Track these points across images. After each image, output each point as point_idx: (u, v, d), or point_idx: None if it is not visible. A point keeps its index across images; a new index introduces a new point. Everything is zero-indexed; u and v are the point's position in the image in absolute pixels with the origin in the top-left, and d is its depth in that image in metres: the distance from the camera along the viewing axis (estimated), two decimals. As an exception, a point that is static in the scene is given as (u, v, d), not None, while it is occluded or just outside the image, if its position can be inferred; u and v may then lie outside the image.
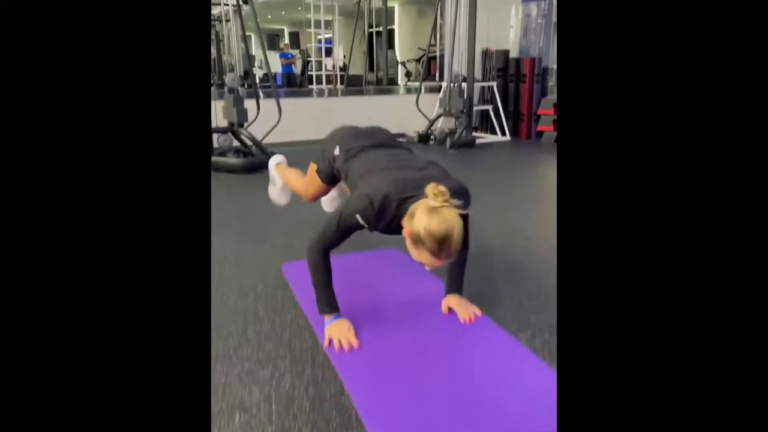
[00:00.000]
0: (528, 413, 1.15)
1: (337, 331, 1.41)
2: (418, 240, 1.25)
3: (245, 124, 4.04)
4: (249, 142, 4.07)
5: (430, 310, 1.64)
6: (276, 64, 12.09)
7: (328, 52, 8.94)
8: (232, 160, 3.83)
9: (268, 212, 2.81)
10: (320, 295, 1.46)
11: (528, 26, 5.92)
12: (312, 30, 9.28)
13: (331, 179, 1.81)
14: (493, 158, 4.69)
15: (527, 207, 3.03)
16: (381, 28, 10.64)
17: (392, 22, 11.11)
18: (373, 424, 1.14)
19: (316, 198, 2.01)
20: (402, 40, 11.45)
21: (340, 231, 1.41)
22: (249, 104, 4.03)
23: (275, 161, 2.31)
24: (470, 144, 5.11)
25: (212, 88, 5.62)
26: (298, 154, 5.05)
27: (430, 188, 1.27)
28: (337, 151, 1.66)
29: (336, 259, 1.50)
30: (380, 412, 1.17)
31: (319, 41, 9.84)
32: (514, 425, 1.12)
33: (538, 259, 2.14)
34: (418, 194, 1.30)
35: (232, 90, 3.91)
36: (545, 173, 4.02)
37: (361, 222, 1.38)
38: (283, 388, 1.27)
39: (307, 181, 1.94)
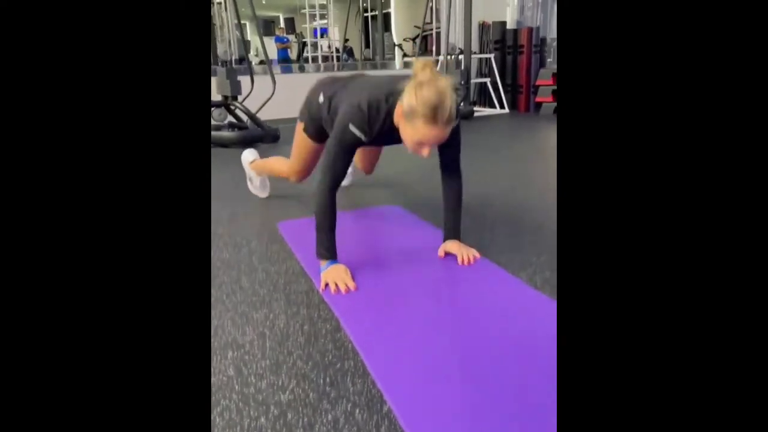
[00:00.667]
0: (526, 341, 1.12)
1: (334, 275, 1.40)
2: (411, 112, 1.24)
3: (239, 98, 3.98)
4: (244, 117, 4.01)
5: (429, 256, 1.61)
6: (271, 49, 12.01)
7: (324, 34, 8.84)
8: (226, 134, 3.78)
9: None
10: (322, 238, 1.44)
11: (524, -3, 5.82)
12: (306, 11, 9.15)
13: (319, 133, 1.78)
14: (491, 128, 4.63)
15: (526, 164, 2.99)
16: (376, 12, 10.54)
17: (388, 6, 11.01)
18: (368, 353, 1.10)
19: (310, 168, 1.97)
20: (398, 22, 11.33)
21: (341, 152, 1.40)
22: (243, 80, 3.98)
23: (248, 159, 2.32)
24: (468, 116, 5.04)
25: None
26: (293, 128, 5.01)
27: (417, 64, 1.27)
28: (321, 99, 1.65)
29: (338, 215, 1.47)
30: (376, 342, 1.14)
31: (315, 30, 9.74)
32: (512, 352, 1.09)
33: (537, 209, 2.10)
34: (397, 90, 1.32)
35: (224, 62, 3.85)
36: (544, 137, 3.97)
37: (357, 132, 1.37)
38: (278, 327, 1.24)
39: (297, 147, 1.89)
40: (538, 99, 5.43)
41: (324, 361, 1.09)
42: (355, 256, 1.60)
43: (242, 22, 4.23)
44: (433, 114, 1.22)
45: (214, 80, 4.06)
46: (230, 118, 4.12)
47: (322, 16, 9.75)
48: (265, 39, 13.10)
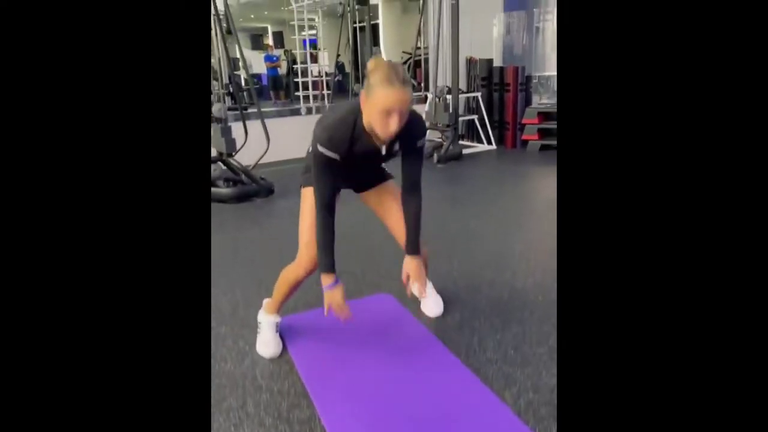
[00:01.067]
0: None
1: (333, 299, 1.65)
2: (370, 85, 1.38)
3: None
4: (238, 170, 4.11)
5: (419, 366, 1.72)
6: (261, 66, 12.04)
7: (314, 58, 8.92)
8: (222, 189, 3.88)
9: (260, 249, 2.88)
10: (320, 256, 1.62)
11: (511, 35, 5.97)
12: (296, 25, 9.24)
13: None
14: (480, 172, 4.77)
15: (514, 231, 3.11)
16: (365, 23, 10.62)
17: (376, 17, 11.09)
18: None
19: None
20: (386, 35, 11.43)
21: (320, 175, 1.54)
22: (236, 127, 4.07)
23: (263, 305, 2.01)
24: (457, 157, 5.18)
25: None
26: (287, 173, 5.13)
27: (370, 62, 1.43)
28: (309, 148, 1.68)
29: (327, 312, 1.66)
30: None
31: (304, 41, 9.83)
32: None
33: (523, 298, 2.23)
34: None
35: (219, 120, 3.95)
36: (533, 187, 4.11)
37: (326, 152, 1.50)
38: (284, 470, 1.35)
39: (306, 216, 1.71)
40: (524, 137, 5.58)
41: None
42: (353, 366, 1.71)
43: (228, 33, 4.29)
44: (388, 76, 1.35)
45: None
46: (225, 170, 4.22)
47: (311, 27, 9.82)
48: (255, 55, 13.00)
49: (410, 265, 1.73)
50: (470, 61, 6.12)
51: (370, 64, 1.42)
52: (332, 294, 1.65)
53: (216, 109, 3.97)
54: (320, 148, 1.50)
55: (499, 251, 2.82)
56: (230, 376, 1.77)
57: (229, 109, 4.46)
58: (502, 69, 5.81)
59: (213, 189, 3.90)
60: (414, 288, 1.75)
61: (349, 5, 7.22)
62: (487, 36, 6.12)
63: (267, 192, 4.04)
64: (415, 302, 2.23)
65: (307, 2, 7.67)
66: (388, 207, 1.86)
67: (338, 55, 9.11)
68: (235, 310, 2.23)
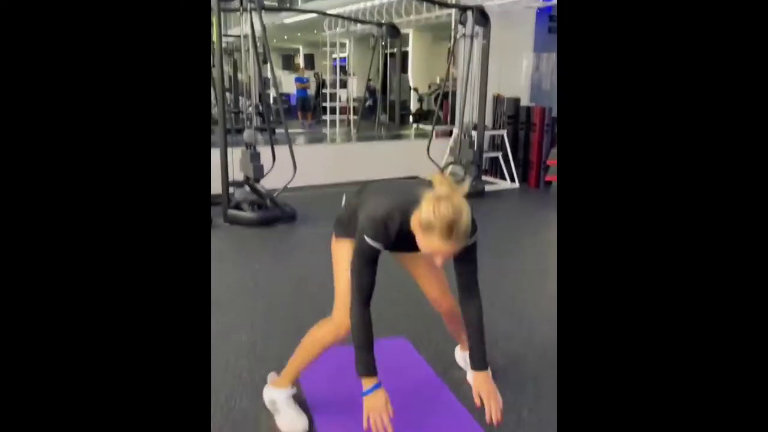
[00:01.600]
0: None
1: (374, 407, 1.41)
2: (427, 226, 1.29)
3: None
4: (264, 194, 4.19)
5: (431, 419, 1.72)
6: (290, 87, 12.31)
7: (343, 84, 9.07)
8: (246, 213, 3.96)
9: (283, 277, 2.91)
10: (359, 357, 1.46)
11: (540, 75, 6.02)
12: (328, 50, 9.45)
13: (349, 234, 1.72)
14: (501, 213, 4.77)
15: (532, 281, 3.10)
16: (395, 50, 10.81)
17: (406, 45, 11.27)
18: None
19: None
20: (415, 64, 11.60)
21: (362, 266, 1.45)
22: (264, 151, 4.16)
23: (269, 381, 1.84)
24: (480, 194, 5.20)
25: (228, 131, 5.77)
26: (311, 198, 5.21)
27: (436, 178, 1.34)
28: (343, 202, 1.70)
29: (344, 349, 1.56)
30: None
31: (334, 61, 10.06)
32: None
33: (539, 353, 2.22)
34: (414, 199, 1.35)
35: (248, 145, 4.05)
36: (552, 238, 4.09)
37: (373, 243, 1.42)
38: None
39: (341, 263, 1.61)
40: (548, 178, 5.58)
41: None
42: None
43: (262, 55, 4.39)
44: (449, 231, 1.27)
45: (238, 159, 4.26)
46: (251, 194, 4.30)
47: (342, 50, 10.00)
48: (286, 75, 13.26)
49: (481, 383, 1.51)
50: (497, 99, 6.18)
51: (437, 182, 1.31)
52: (374, 400, 1.42)
53: (247, 135, 4.07)
54: (367, 239, 1.42)
55: (518, 300, 2.81)
56: (245, 413, 1.79)
57: (257, 128, 4.56)
58: (528, 108, 5.85)
59: (237, 212, 3.98)
60: (492, 411, 1.47)
61: (382, 37, 7.36)
62: (515, 75, 6.18)
63: (289, 218, 4.11)
64: (430, 348, 2.23)
65: (339, 30, 7.85)
66: (423, 270, 1.83)
67: (369, 80, 9.30)
68: (251, 347, 2.25)
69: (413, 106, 10.99)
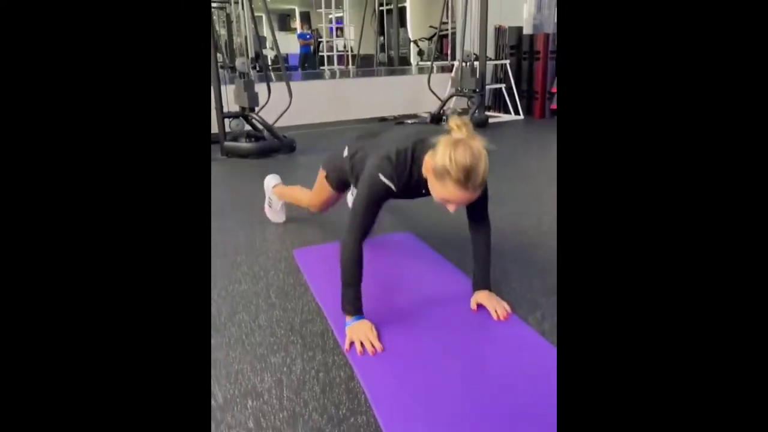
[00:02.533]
0: (550, 411, 1.16)
1: (359, 333, 1.39)
2: (442, 172, 1.22)
3: (256, 109, 4.04)
4: (261, 126, 4.07)
5: (447, 300, 1.65)
6: (293, 45, 12.03)
7: (339, 33, 8.85)
8: (244, 144, 3.85)
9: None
10: (347, 293, 1.42)
11: (542, 1, 5.79)
12: (323, 9, 9.17)
13: (340, 184, 1.85)
14: (505, 138, 4.65)
15: (539, 186, 3.01)
16: (392, 6, 10.51)
17: (404, 0, 10.95)
18: (381, 407, 1.16)
19: (326, 207, 2.03)
20: (414, 17, 11.27)
21: (370, 205, 1.39)
22: (260, 88, 4.03)
23: (271, 183, 2.37)
24: (483, 124, 5.06)
25: (223, 72, 5.63)
26: (310, 136, 5.08)
27: (453, 121, 1.25)
28: (345, 153, 1.69)
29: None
30: (388, 395, 1.19)
31: (330, 21, 9.77)
32: (543, 422, 1.14)
33: (548, 239, 2.14)
34: (426, 139, 1.32)
35: (242, 74, 3.91)
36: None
37: (386, 181, 1.36)
38: (295, 374, 1.30)
39: (317, 189, 1.96)
40: (553, 106, 5.42)
41: (338, 415, 1.15)
42: (368, 294, 1.65)
43: (257, 14, 4.25)
44: (466, 178, 1.20)
45: (231, 90, 4.13)
46: (248, 127, 4.19)
47: (338, 6, 9.73)
48: (281, 34, 13.02)
49: (482, 297, 1.55)
50: (499, 30, 5.96)
51: (454, 127, 1.24)
52: (357, 326, 1.40)
53: (239, 63, 3.93)
54: (381, 177, 1.35)
55: (521, 212, 2.72)
56: (244, 294, 1.73)
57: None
58: (531, 37, 5.64)
59: (234, 144, 3.87)
60: (498, 311, 1.51)
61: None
62: (517, 3, 5.95)
63: (289, 148, 4.00)
64: (437, 240, 2.16)
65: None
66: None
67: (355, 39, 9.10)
68: (250, 244, 2.19)
69: (413, 58, 10.75)
